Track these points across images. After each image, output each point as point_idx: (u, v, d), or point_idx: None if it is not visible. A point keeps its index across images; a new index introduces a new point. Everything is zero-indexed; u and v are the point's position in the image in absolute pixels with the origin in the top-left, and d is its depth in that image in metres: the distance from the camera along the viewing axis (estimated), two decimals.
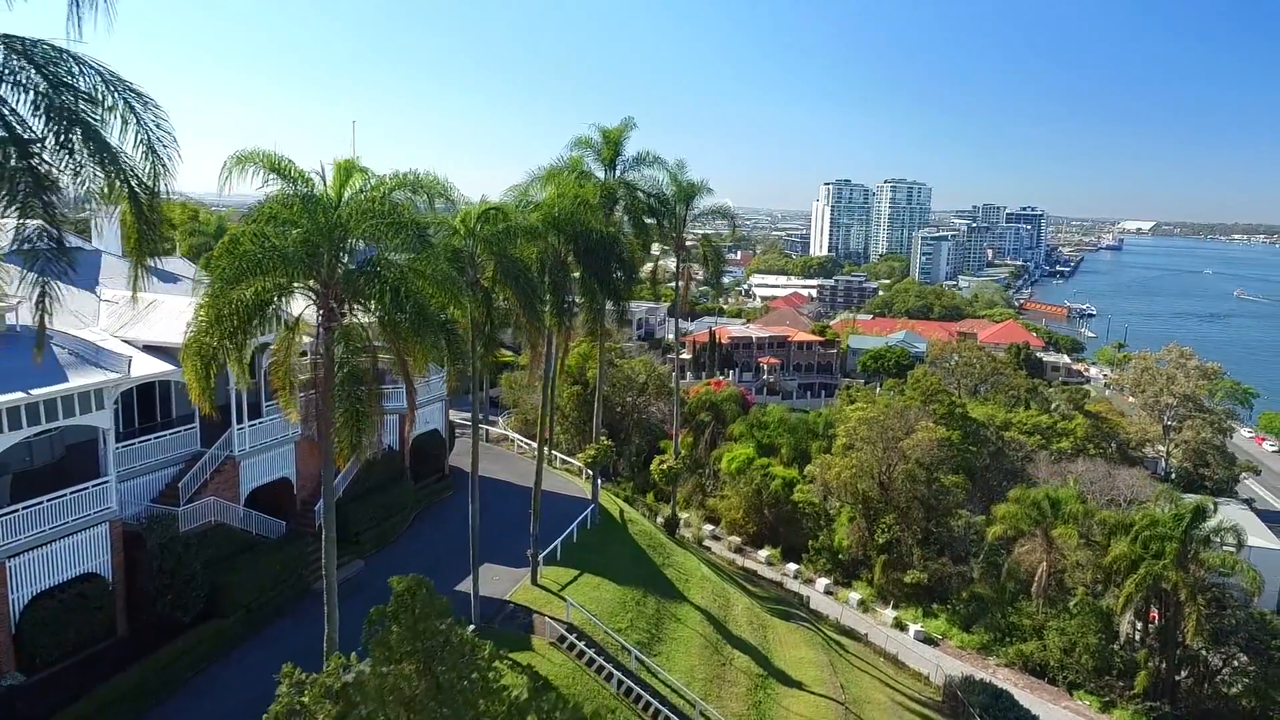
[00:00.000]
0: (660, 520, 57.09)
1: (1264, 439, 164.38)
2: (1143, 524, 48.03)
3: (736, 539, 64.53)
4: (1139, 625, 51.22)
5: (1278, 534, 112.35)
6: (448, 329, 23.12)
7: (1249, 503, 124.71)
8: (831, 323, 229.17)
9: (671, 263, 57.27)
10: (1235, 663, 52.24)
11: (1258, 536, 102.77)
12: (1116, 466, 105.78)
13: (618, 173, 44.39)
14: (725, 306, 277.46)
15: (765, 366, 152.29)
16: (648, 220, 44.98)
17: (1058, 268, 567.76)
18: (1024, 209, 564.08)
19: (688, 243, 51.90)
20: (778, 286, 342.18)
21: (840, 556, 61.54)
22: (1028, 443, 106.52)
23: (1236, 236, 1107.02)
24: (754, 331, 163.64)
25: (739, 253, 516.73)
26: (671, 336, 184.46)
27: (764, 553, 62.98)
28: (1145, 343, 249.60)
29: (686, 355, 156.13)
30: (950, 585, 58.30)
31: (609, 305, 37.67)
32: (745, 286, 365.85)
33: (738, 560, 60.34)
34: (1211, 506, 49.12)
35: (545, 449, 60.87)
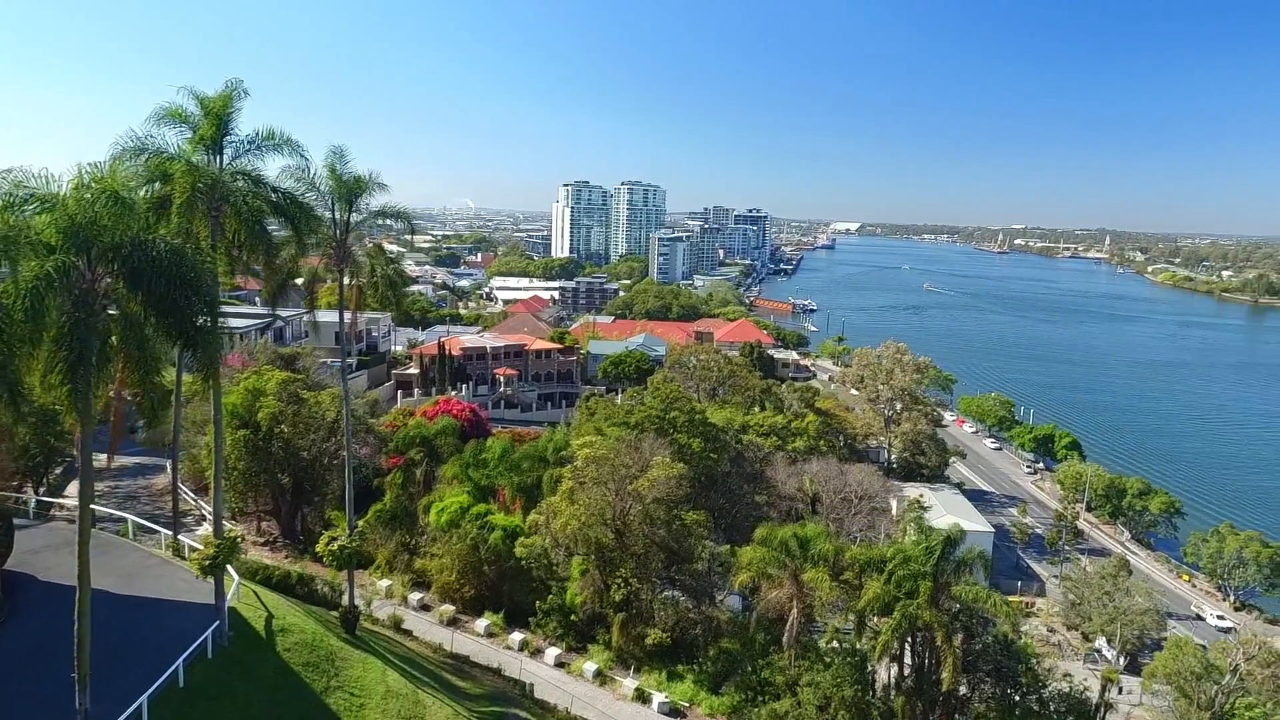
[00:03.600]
0: (359, 602, 44.74)
1: (964, 421, 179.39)
2: (895, 562, 43.18)
3: (450, 607, 53.38)
4: (894, 669, 46.64)
5: (984, 512, 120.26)
6: None
7: (960, 486, 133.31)
8: (573, 326, 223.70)
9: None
10: (983, 689, 49.53)
11: (967, 520, 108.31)
12: (847, 462, 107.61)
13: (228, 158, 31.72)
14: (464, 312, 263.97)
15: (502, 378, 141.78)
16: (274, 225, 32.48)
17: (782, 266, 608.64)
18: (750, 211, 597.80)
19: (355, 251, 39.85)
20: (520, 289, 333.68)
21: (573, 617, 52.42)
22: (765, 444, 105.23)
23: (926, 236, 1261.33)
24: (489, 341, 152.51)
25: (480, 255, 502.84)
26: (400, 348, 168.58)
27: (484, 621, 52.40)
28: (859, 334, 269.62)
29: (414, 370, 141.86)
30: (697, 640, 51.12)
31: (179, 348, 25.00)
32: (486, 290, 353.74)
33: (448, 642, 49.16)
34: (960, 533, 45.22)
35: (173, 532, 46.22)
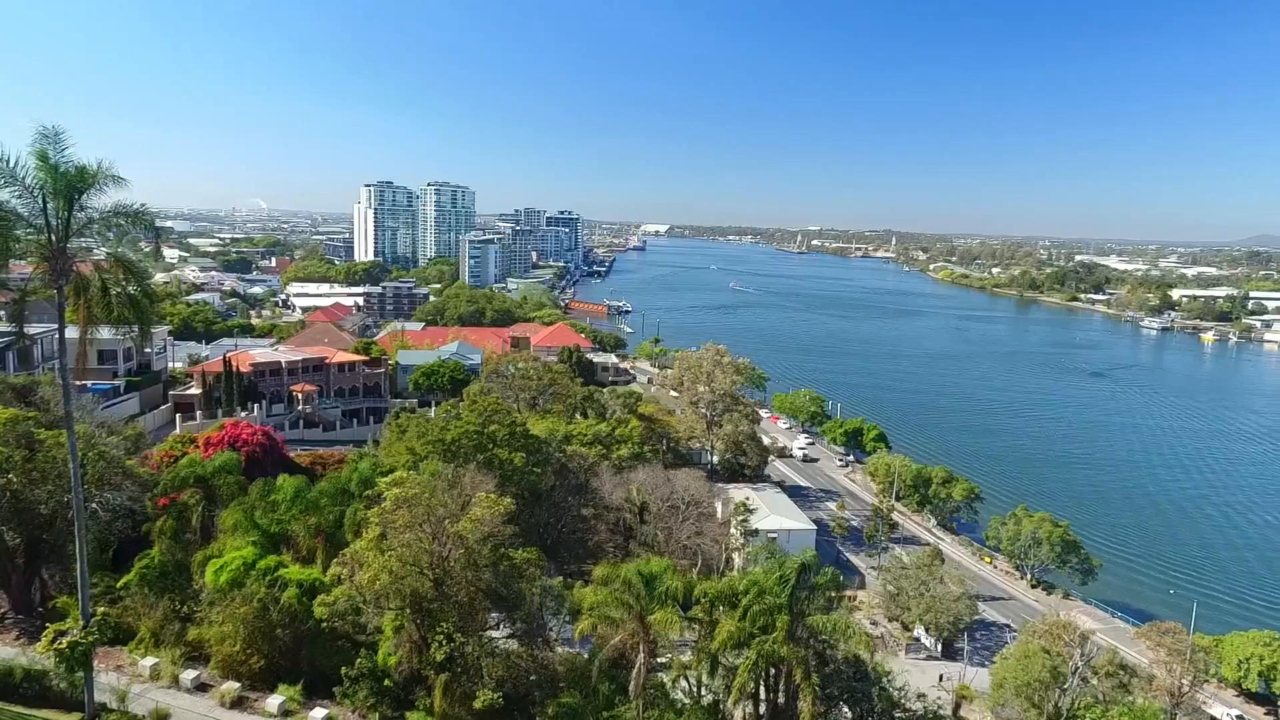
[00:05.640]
0: (108, 696, 35.48)
1: (778, 418, 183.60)
2: (750, 597, 39.54)
3: (234, 685, 44.52)
4: (748, 707, 43.16)
5: (804, 508, 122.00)
6: None
7: (780, 484, 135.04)
8: (379, 335, 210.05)
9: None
10: (836, 713, 47.25)
11: (792, 519, 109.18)
12: (672, 468, 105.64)
13: None
14: (257, 322, 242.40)
15: (300, 396, 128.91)
16: None
17: (595, 268, 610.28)
18: (562, 213, 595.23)
19: (79, 260, 30.99)
20: (320, 296, 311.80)
21: (387, 682, 45.15)
22: (590, 454, 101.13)
23: (732, 237, 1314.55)
24: (284, 355, 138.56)
25: (275, 259, 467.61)
26: (179, 365, 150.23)
27: (277, 699, 43.99)
28: (674, 335, 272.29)
29: (196, 390, 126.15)
30: (533, 694, 45.39)
31: None
32: (282, 297, 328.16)
33: None
34: (815, 558, 42.36)
35: None
